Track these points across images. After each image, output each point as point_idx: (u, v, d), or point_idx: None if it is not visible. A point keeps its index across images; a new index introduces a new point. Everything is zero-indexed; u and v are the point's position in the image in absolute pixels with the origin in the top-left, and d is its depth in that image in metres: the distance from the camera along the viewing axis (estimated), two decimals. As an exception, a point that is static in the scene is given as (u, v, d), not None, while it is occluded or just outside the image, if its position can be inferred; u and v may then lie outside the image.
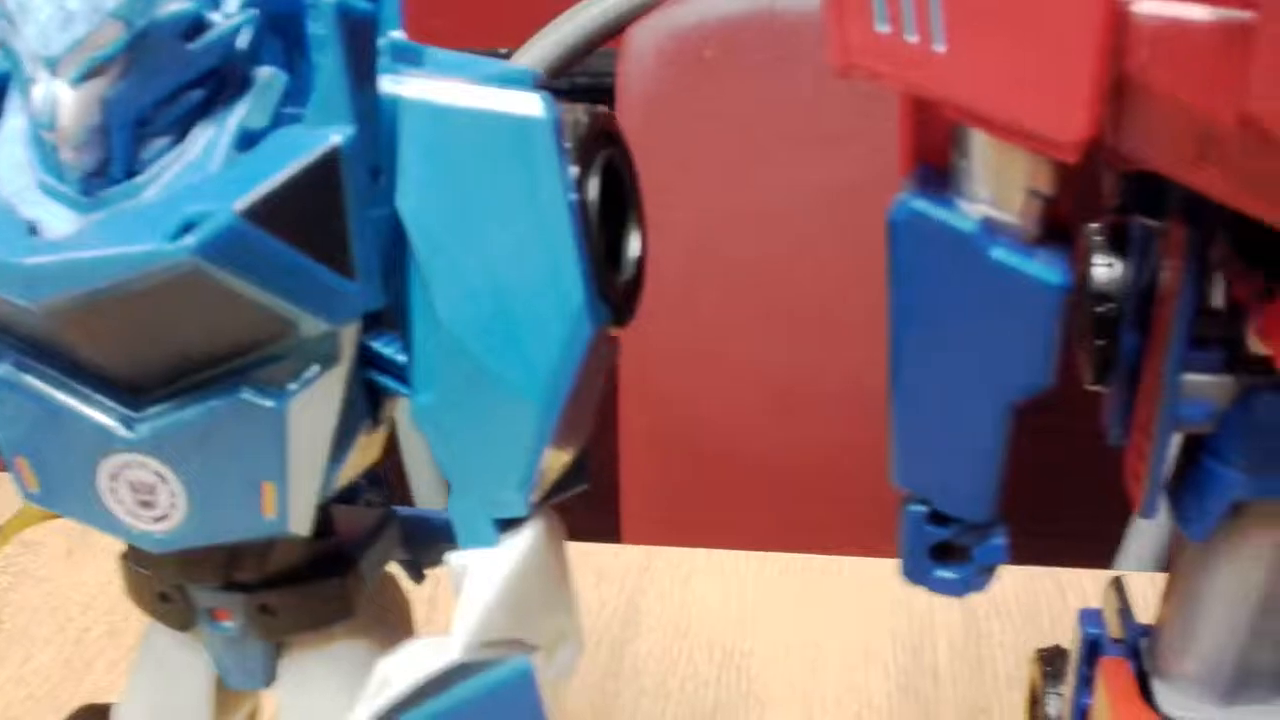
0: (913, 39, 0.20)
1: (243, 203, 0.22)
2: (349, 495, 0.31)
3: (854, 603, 0.50)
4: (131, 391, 0.25)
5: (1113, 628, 0.30)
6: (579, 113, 0.25)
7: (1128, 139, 0.20)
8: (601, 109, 0.26)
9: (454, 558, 0.26)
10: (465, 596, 0.25)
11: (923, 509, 0.25)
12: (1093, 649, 0.29)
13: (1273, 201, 0.20)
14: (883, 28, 0.20)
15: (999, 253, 0.22)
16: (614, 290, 0.26)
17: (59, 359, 0.25)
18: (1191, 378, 0.23)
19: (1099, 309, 0.25)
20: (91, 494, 0.25)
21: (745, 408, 0.75)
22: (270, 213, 0.22)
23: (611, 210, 0.27)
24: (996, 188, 0.22)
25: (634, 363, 0.78)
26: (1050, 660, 0.33)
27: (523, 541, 0.25)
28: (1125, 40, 0.19)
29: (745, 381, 0.74)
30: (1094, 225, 0.26)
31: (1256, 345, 0.22)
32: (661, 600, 0.52)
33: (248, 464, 0.25)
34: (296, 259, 0.22)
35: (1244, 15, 0.19)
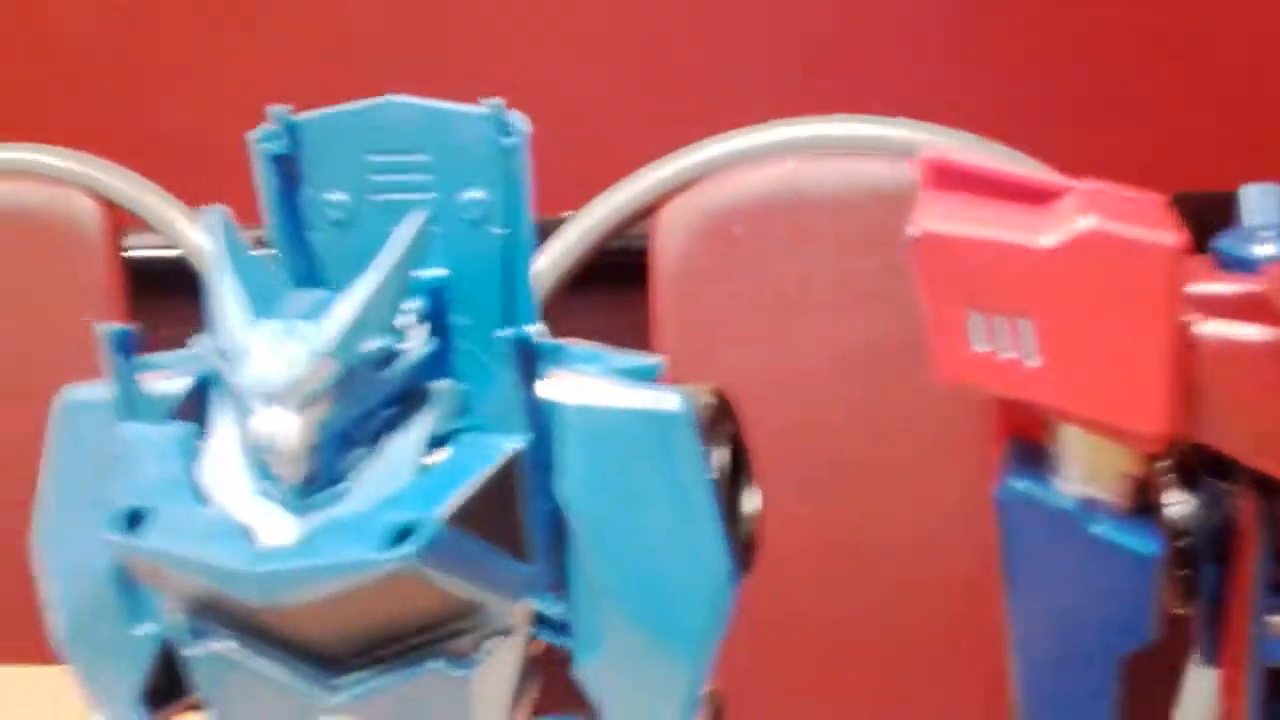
0: (1009, 356, 0.24)
1: (444, 510, 0.25)
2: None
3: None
4: (328, 662, 0.28)
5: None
6: (704, 395, 0.29)
7: (1200, 431, 0.24)
8: (719, 389, 0.30)
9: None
10: None
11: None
12: None
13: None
14: (980, 348, 0.24)
15: (1098, 528, 0.25)
16: (739, 548, 0.29)
17: (263, 634, 0.28)
18: (1276, 620, 0.26)
19: (1179, 543, 0.28)
20: (291, 754, 0.28)
21: (792, 571, 0.77)
22: (465, 515, 0.25)
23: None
24: (1090, 471, 0.25)
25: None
26: None
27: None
28: (1192, 356, 0.23)
29: (787, 544, 0.77)
30: (1163, 463, 0.29)
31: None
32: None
33: (434, 725, 0.27)
34: (486, 552, 0.26)
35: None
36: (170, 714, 0.34)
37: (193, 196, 0.86)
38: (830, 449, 0.77)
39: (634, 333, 0.83)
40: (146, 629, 0.31)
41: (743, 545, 0.30)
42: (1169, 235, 0.23)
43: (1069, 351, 0.24)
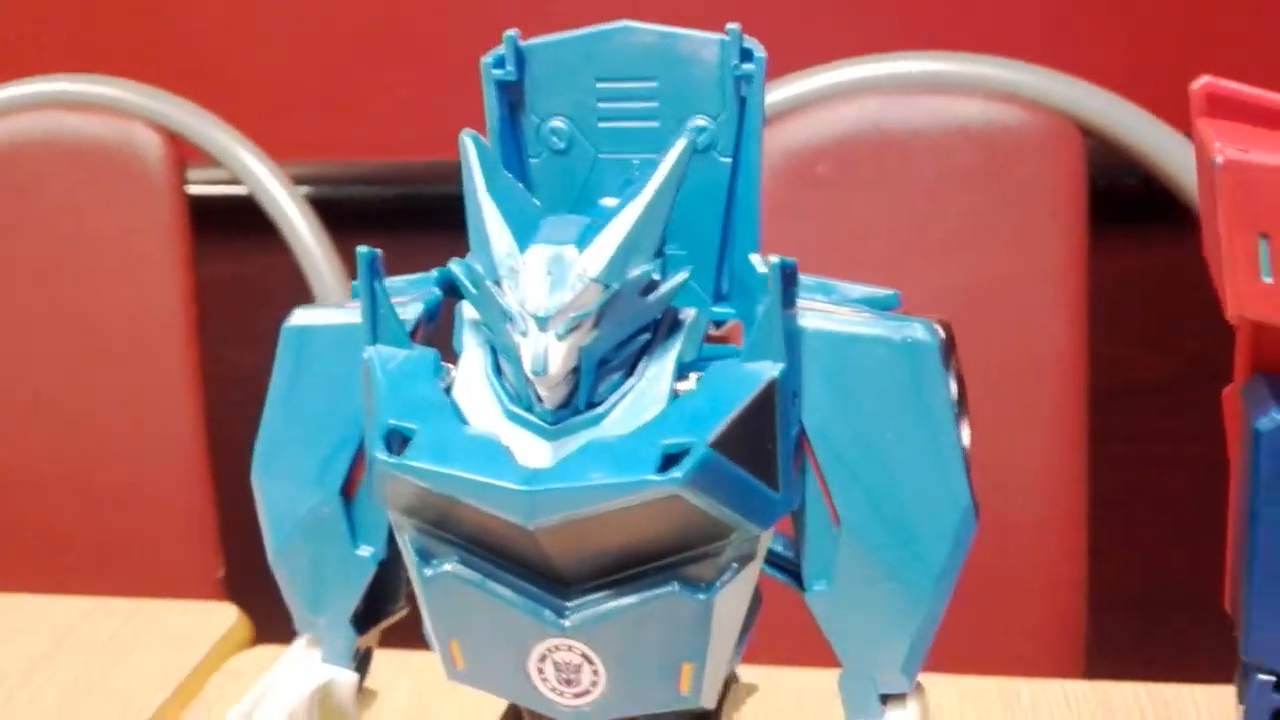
0: (1292, 289, 0.24)
1: (714, 436, 0.25)
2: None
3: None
4: (560, 583, 0.28)
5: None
6: (938, 326, 0.29)
7: None
8: (946, 321, 0.30)
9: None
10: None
11: (1271, 679, 0.28)
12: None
13: None
14: (1267, 279, 0.24)
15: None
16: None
17: (494, 552, 0.28)
18: None
19: None
20: (520, 674, 0.29)
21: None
22: (729, 442, 0.26)
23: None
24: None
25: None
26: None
27: (909, 716, 0.29)
28: None
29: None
30: None
31: None
32: None
33: (671, 648, 0.28)
34: (745, 479, 0.26)
35: None
36: (371, 635, 0.34)
37: (255, 130, 0.85)
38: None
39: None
40: (367, 550, 0.32)
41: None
42: None
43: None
